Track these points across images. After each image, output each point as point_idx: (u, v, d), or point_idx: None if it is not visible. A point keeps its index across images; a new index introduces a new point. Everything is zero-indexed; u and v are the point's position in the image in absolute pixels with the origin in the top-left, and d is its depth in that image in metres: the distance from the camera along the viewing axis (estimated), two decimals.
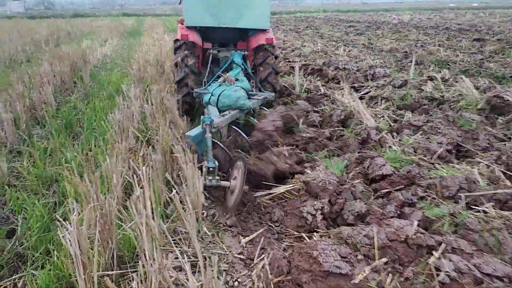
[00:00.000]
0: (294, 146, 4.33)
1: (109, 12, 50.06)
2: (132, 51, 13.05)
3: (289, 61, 10.30)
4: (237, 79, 4.92)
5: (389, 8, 50.64)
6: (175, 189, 2.92)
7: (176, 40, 5.44)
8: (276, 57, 5.59)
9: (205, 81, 5.26)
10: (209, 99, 4.48)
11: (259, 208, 3.47)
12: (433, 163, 3.95)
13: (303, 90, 6.87)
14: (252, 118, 4.69)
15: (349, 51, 11.64)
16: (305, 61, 10.42)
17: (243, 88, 4.60)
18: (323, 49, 12.28)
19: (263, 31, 5.54)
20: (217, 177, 3.22)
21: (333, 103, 5.98)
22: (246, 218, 3.32)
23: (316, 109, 5.77)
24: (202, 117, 3.63)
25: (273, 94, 5.18)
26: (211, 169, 3.19)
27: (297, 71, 7.23)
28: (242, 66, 5.32)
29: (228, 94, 4.34)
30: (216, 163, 3.26)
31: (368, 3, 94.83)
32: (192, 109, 5.29)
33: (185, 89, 5.13)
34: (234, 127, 4.25)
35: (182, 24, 5.48)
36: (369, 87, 7.02)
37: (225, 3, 5.25)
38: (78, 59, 9.48)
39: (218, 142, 3.72)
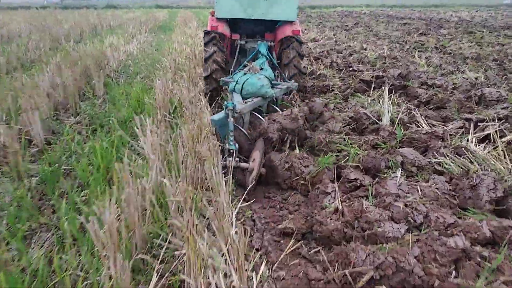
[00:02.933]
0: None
1: (143, 3, 48.92)
2: (160, 51, 11.21)
3: (354, 70, 8.11)
4: (261, 68, 4.98)
5: (439, 4, 46.81)
6: None
7: (206, 31, 5.60)
8: (301, 43, 5.67)
9: (231, 71, 5.60)
10: (234, 86, 4.56)
11: None
12: None
13: (396, 123, 4.73)
14: (275, 107, 4.74)
15: (426, 58, 9.29)
16: (373, 69, 8.22)
17: (266, 77, 4.65)
18: (390, 53, 9.98)
19: (290, 23, 5.68)
20: (237, 159, 3.39)
21: (458, 154, 3.82)
22: None
23: (438, 166, 3.64)
24: (225, 102, 3.70)
25: (296, 84, 5.21)
26: (231, 151, 3.38)
27: (386, 94, 5.05)
28: (268, 56, 5.47)
29: (252, 82, 4.41)
30: (237, 145, 3.47)
31: None
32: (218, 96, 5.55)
33: (214, 83, 5.38)
34: (256, 114, 4.25)
35: (213, 15, 5.65)
36: (492, 123, 4.77)
37: None
38: (95, 62, 7.69)
39: (240, 127, 3.82)
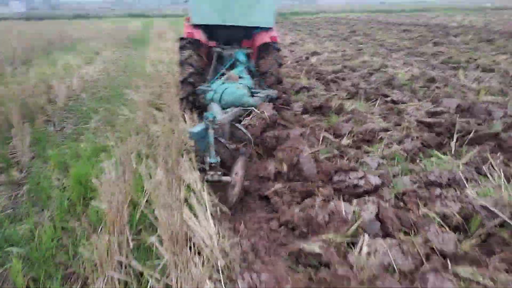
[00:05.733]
0: None
1: (114, 12, 46.04)
2: (129, 72, 8.80)
3: (394, 102, 5.94)
4: (240, 77, 4.91)
5: (422, 8, 45.85)
6: None
7: (181, 38, 5.38)
8: (278, 50, 5.51)
9: (208, 79, 5.35)
10: (212, 96, 4.43)
11: None
12: None
13: None
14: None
15: (476, 80, 7.22)
16: (418, 99, 6.08)
17: (246, 86, 4.57)
18: (423, 72, 7.91)
19: (267, 29, 5.50)
20: (219, 173, 3.24)
21: None
22: None
23: None
24: (204, 113, 3.49)
25: (276, 92, 5.05)
26: (213, 164, 3.25)
27: None
28: (246, 64, 5.40)
29: (231, 91, 4.32)
30: (218, 158, 3.31)
31: (386, 2, 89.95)
32: (195, 106, 5.19)
33: (189, 87, 5.10)
34: (236, 124, 4.06)
35: (188, 22, 5.47)
36: None
37: (230, 2, 5.25)
38: (25, 102, 5.29)
39: (220, 139, 3.63)
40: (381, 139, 4.55)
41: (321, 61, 10.10)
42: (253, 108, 4.40)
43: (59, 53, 11.78)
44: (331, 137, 4.53)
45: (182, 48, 5.25)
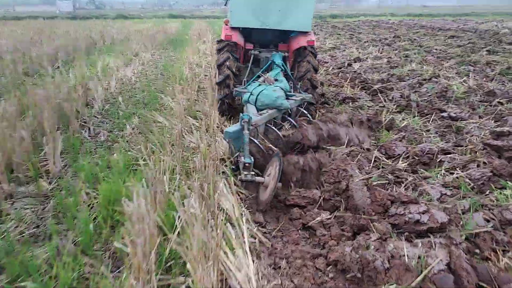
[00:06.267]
0: None
1: (156, 13, 46.96)
2: (167, 78, 8.64)
3: (451, 118, 5.34)
4: (276, 80, 4.95)
5: (469, 13, 43.59)
6: None
7: (219, 41, 5.54)
8: (315, 55, 5.51)
9: (245, 81, 5.43)
10: (248, 97, 4.50)
11: None
12: None
13: None
14: (289, 119, 4.64)
15: None
16: (478, 115, 5.45)
17: (281, 89, 4.61)
18: (479, 84, 7.21)
19: (305, 33, 5.50)
20: (252, 173, 3.28)
21: None
22: None
23: None
24: (241, 114, 3.63)
25: (311, 95, 5.07)
26: (247, 164, 3.27)
27: None
28: (282, 67, 5.38)
29: (267, 93, 4.37)
30: (252, 159, 3.33)
31: (429, 6, 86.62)
32: (231, 109, 5.44)
33: (226, 89, 5.22)
34: (270, 125, 4.23)
35: (227, 25, 5.52)
36: None
37: (269, 6, 5.28)
38: (61, 104, 5.16)
39: (255, 140, 3.70)
40: (441, 162, 4.02)
41: (364, 68, 9.53)
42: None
43: (100, 53, 11.88)
44: (383, 157, 4.06)
45: (220, 50, 5.38)
